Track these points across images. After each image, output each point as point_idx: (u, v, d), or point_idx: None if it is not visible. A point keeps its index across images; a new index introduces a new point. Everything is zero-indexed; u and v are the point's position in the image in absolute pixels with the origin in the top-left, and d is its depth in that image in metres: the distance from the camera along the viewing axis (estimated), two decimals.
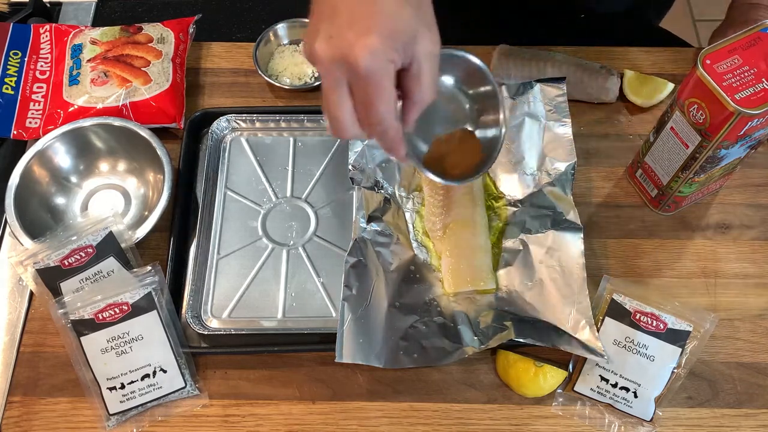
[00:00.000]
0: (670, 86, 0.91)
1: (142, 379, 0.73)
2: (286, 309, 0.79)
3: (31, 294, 0.81)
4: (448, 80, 0.69)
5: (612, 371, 0.73)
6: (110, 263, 0.77)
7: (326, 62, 0.49)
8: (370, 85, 0.49)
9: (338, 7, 0.50)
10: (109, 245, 0.77)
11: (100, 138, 0.86)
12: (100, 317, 0.73)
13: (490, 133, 0.71)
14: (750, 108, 0.66)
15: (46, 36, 0.95)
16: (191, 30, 0.95)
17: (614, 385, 0.73)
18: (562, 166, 0.81)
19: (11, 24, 0.96)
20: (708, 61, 0.68)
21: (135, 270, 0.77)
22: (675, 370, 0.73)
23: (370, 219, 0.80)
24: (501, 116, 0.69)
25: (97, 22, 1.02)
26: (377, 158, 0.84)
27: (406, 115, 0.54)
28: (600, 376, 0.74)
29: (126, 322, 0.73)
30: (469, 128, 0.72)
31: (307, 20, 0.95)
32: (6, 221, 0.81)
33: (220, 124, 0.89)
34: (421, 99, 0.53)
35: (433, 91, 0.54)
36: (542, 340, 0.72)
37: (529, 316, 0.74)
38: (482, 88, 0.69)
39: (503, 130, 0.69)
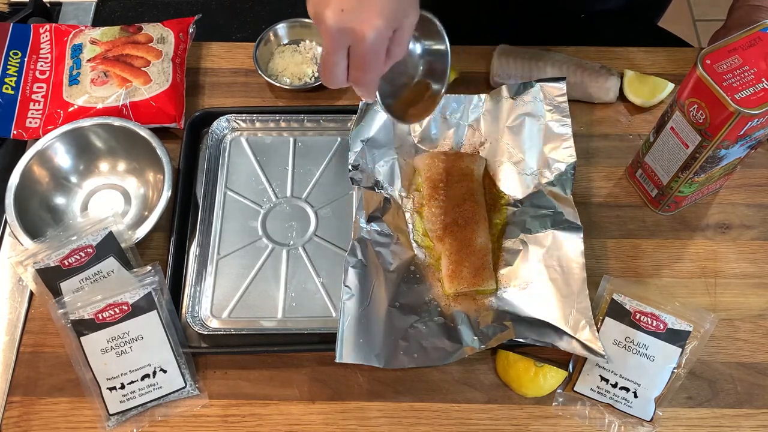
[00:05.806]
0: (670, 86, 0.91)
1: (142, 379, 0.73)
2: (286, 309, 0.79)
3: (31, 294, 0.81)
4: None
5: (612, 371, 0.73)
6: (110, 263, 0.77)
7: (334, 30, 0.57)
8: (369, 56, 0.59)
9: None
10: (109, 245, 0.77)
11: (100, 138, 0.86)
12: (100, 317, 0.73)
13: (435, 86, 0.73)
14: (750, 108, 0.66)
15: (46, 36, 0.95)
16: (191, 30, 0.95)
17: (614, 385, 0.73)
18: (562, 166, 0.81)
19: (11, 24, 0.96)
20: (708, 61, 0.68)
21: (135, 270, 0.77)
22: (675, 370, 0.73)
23: (370, 219, 0.80)
24: (447, 72, 0.72)
25: (97, 22, 1.03)
26: (377, 158, 0.84)
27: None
28: (600, 376, 0.74)
29: (126, 322, 0.73)
30: (427, 81, 0.74)
31: (307, 20, 0.96)
32: (6, 221, 0.81)
33: (220, 124, 0.89)
34: (398, 55, 0.62)
35: (406, 48, 0.63)
36: (542, 340, 0.72)
37: (529, 316, 0.74)
38: (435, 45, 0.72)
39: (445, 86, 0.73)
